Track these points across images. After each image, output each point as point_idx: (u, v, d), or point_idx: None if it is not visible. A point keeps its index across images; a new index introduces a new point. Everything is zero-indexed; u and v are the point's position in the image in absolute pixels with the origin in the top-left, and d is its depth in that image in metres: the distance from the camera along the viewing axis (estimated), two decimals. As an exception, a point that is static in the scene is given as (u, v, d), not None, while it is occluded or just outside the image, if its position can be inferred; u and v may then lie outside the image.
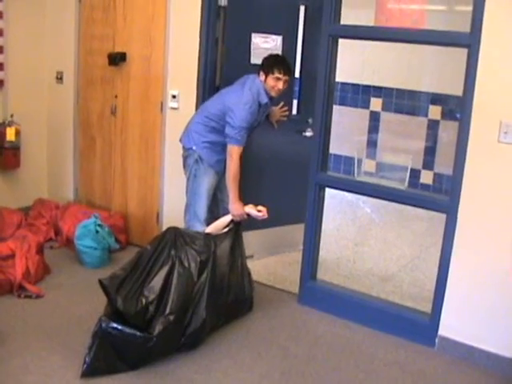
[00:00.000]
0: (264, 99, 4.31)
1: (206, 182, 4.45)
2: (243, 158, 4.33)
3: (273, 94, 4.33)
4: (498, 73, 3.55)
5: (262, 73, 4.32)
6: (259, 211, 4.28)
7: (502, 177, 3.61)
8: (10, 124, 5.54)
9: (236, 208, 4.26)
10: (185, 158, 4.50)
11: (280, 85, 4.29)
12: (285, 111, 4.85)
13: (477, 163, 3.68)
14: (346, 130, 7.95)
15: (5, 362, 3.50)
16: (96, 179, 5.70)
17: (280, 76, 4.26)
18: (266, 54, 4.65)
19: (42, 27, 5.75)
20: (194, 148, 4.41)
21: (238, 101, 4.24)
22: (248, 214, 4.28)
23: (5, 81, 5.54)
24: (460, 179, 3.74)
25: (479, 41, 3.55)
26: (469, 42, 3.61)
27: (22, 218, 5.44)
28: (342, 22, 4.14)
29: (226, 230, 4.21)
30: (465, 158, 3.71)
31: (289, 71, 4.33)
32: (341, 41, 4.22)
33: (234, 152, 4.24)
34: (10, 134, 5.52)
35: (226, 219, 4.28)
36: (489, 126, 3.60)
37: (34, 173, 5.95)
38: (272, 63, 4.29)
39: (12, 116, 5.56)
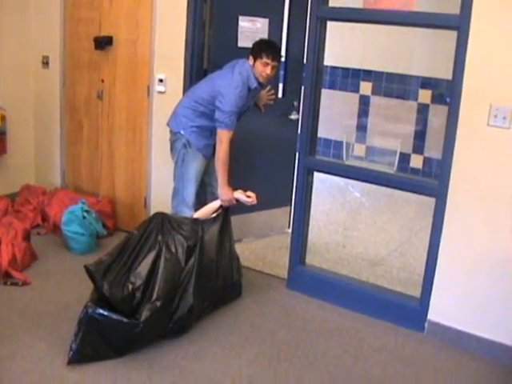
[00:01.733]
0: (253, 84, 4.26)
1: (195, 166, 4.41)
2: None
3: (261, 79, 4.27)
4: (488, 56, 3.51)
5: (251, 57, 4.25)
6: (248, 196, 4.25)
7: (492, 160, 3.59)
8: (-5, 109, 5.48)
9: (225, 193, 4.23)
10: (172, 142, 4.46)
11: (268, 70, 4.22)
12: (271, 95, 4.79)
13: (466, 147, 3.65)
14: (336, 114, 7.92)
15: (-10, 350, 3.48)
16: (83, 164, 5.64)
17: (268, 61, 4.19)
18: (252, 37, 4.64)
19: (28, 11, 5.65)
20: (181, 132, 4.36)
21: (228, 85, 4.20)
22: (237, 200, 4.26)
23: (-11, 66, 5.47)
24: (449, 163, 3.71)
25: (469, 23, 3.50)
26: (458, 24, 3.57)
27: (9, 204, 5.38)
28: (330, 5, 4.09)
29: (214, 215, 4.17)
30: (454, 142, 3.67)
31: (278, 56, 4.26)
32: (330, 24, 4.18)
33: (223, 136, 4.20)
34: (-5, 120, 5.47)
35: (215, 204, 4.25)
36: (478, 110, 3.56)
37: (21, 158, 5.88)
38: (261, 48, 4.22)
39: (-3, 101, 5.50)
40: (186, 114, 4.37)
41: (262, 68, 4.21)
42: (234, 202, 4.26)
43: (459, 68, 3.59)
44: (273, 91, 4.82)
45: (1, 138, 5.57)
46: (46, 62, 5.68)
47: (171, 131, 4.46)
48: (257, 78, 4.26)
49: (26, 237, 4.64)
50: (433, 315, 3.93)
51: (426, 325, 3.96)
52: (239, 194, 4.25)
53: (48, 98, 5.75)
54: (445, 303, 3.89)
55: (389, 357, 3.70)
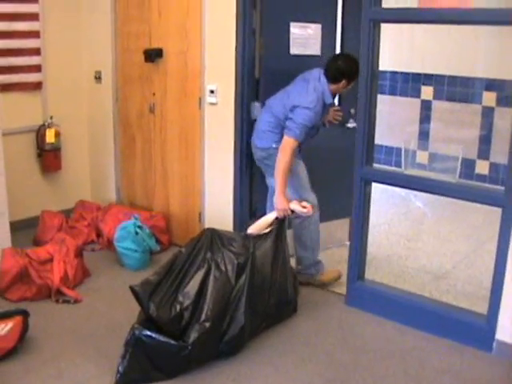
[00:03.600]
0: (329, 99, 4.25)
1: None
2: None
3: (338, 93, 4.39)
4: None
5: (329, 77, 4.23)
6: (303, 207, 4.10)
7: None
8: (49, 126, 5.50)
9: (280, 202, 4.12)
10: (264, 159, 4.43)
11: (347, 88, 4.30)
12: (339, 115, 4.68)
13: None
14: (398, 120, 7.70)
15: (39, 369, 3.43)
16: (137, 179, 5.58)
17: (348, 83, 4.26)
18: (305, 44, 4.52)
19: (79, 27, 5.67)
20: (274, 146, 4.30)
21: (303, 101, 4.16)
22: (292, 211, 4.11)
23: (43, 82, 5.48)
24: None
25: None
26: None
27: (63, 220, 5.35)
28: (384, 5, 3.89)
29: (268, 230, 4.02)
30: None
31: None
32: (387, 27, 3.99)
33: (288, 145, 4.15)
34: (50, 136, 5.48)
35: (270, 217, 4.11)
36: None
37: (76, 174, 5.88)
38: (353, 72, 4.15)
39: (51, 118, 5.51)
40: (268, 129, 4.34)
41: (343, 87, 4.28)
42: (290, 212, 4.11)
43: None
44: (341, 112, 4.69)
45: (55, 154, 5.58)
46: (98, 77, 5.67)
47: (260, 148, 4.42)
48: (332, 94, 4.25)
49: (79, 253, 4.58)
50: (501, 334, 3.66)
51: (493, 344, 3.68)
52: (295, 205, 4.10)
53: (101, 112, 5.73)
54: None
55: (453, 380, 3.45)
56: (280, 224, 4.07)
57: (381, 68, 4.07)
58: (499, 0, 3.95)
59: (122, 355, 3.27)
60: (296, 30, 4.64)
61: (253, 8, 4.50)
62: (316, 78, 4.25)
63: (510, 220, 3.52)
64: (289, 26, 4.62)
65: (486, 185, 7.02)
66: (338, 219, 5.20)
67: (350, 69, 4.19)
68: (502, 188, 3.62)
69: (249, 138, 4.62)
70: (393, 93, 7.89)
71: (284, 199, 4.13)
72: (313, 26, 4.72)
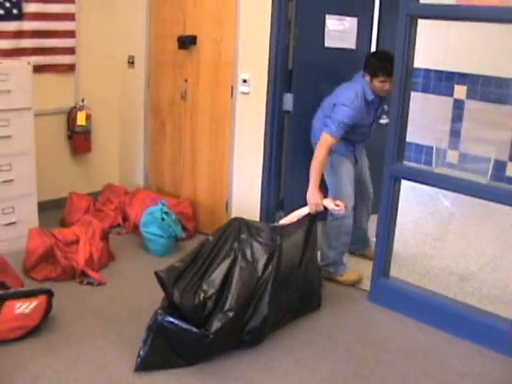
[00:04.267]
0: (370, 96, 4.24)
1: (343, 169, 4.44)
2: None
3: (381, 94, 4.29)
4: None
5: (366, 73, 4.24)
6: (337, 205, 4.08)
7: None
8: (80, 108, 5.53)
9: (313, 196, 4.11)
10: None
11: (386, 86, 4.19)
12: None
13: None
14: (429, 118, 7.61)
15: (60, 349, 3.45)
16: (166, 165, 5.59)
17: (385, 78, 4.17)
18: (340, 37, 4.49)
19: (114, 11, 5.70)
20: None
21: (341, 98, 4.23)
22: (325, 207, 4.10)
23: (76, 65, 5.51)
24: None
25: None
26: None
27: (91, 203, 5.39)
28: (421, 1, 3.84)
29: (295, 220, 4.03)
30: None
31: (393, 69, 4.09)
32: (423, 23, 3.93)
33: (325, 140, 4.17)
34: (81, 119, 5.50)
35: (302, 212, 4.10)
36: None
37: (105, 158, 5.91)
38: (376, 66, 4.18)
39: (83, 100, 5.54)
40: (320, 127, 4.32)
41: (380, 85, 4.23)
42: (322, 208, 4.10)
43: None
44: None
45: (86, 136, 5.61)
46: (131, 62, 5.69)
47: (314, 143, 4.39)
48: (374, 92, 4.25)
49: (104, 236, 4.61)
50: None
51: (517, 349, 3.65)
52: (328, 202, 4.09)
53: (133, 97, 5.74)
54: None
55: (475, 383, 3.41)
56: (312, 218, 4.07)
57: (415, 65, 4.02)
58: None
59: (143, 340, 3.28)
60: (331, 22, 4.60)
61: (287, -1, 4.48)
62: (358, 77, 4.31)
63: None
64: (324, 18, 4.58)
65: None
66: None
67: (368, 60, 4.22)
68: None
69: (280, 128, 4.61)
70: (425, 90, 7.80)
71: (316, 194, 4.11)
72: (349, 19, 4.68)
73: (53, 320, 3.70)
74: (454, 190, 4.08)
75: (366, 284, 4.37)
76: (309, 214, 4.07)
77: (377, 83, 4.21)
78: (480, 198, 3.88)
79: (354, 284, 4.47)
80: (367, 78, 4.23)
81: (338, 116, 4.16)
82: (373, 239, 4.46)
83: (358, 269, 4.61)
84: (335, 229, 4.42)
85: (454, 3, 3.96)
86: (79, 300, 4.04)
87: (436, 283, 4.54)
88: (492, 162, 6.84)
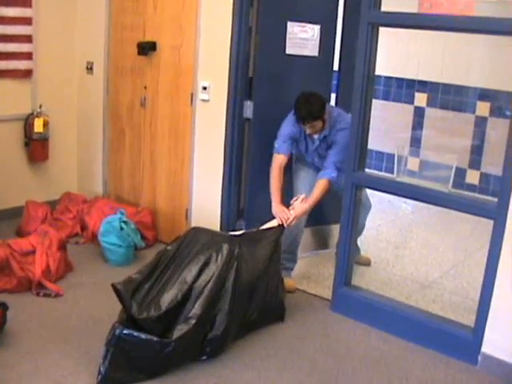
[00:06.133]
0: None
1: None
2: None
3: (308, 132, 4.37)
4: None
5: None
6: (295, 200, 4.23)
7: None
8: (38, 115, 5.40)
9: (277, 210, 4.21)
10: None
11: (308, 129, 4.30)
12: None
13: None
14: (390, 125, 7.66)
15: (14, 365, 3.33)
16: (125, 173, 5.50)
17: (303, 125, 4.27)
18: (302, 44, 4.48)
19: (73, 16, 5.59)
20: None
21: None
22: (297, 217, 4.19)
23: (34, 70, 5.39)
24: (509, 182, 3.41)
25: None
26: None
27: (48, 212, 5.26)
28: (383, 9, 3.83)
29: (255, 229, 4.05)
30: (514, 159, 3.38)
31: (310, 118, 4.20)
32: (385, 31, 3.93)
33: (273, 158, 4.37)
34: (38, 126, 5.39)
35: (272, 224, 4.13)
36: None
37: (63, 165, 5.79)
38: (295, 111, 4.26)
39: (41, 107, 5.42)
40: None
41: (307, 128, 4.30)
42: (290, 219, 4.13)
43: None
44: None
45: (43, 143, 5.50)
46: (90, 68, 5.59)
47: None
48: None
49: (62, 246, 4.49)
50: (487, 347, 3.60)
51: (479, 358, 3.63)
52: (292, 209, 4.20)
53: (92, 104, 5.64)
54: (501, 334, 3.56)
55: (437, 391, 3.41)
56: (281, 230, 4.09)
57: (376, 72, 4.02)
58: (500, 9, 3.91)
59: (103, 355, 3.18)
60: (293, 29, 4.58)
61: (250, 5, 4.43)
62: None
63: (501, 232, 3.47)
64: (286, 25, 4.55)
65: (477, 195, 7.00)
66: (335, 224, 5.14)
67: (297, 111, 4.24)
68: (494, 199, 3.57)
69: (240, 136, 4.57)
70: (386, 98, 7.85)
71: (281, 207, 4.21)
72: (311, 26, 4.65)
73: (7, 334, 3.57)
74: (415, 199, 4.09)
75: (328, 293, 4.32)
76: (278, 225, 4.09)
77: (305, 126, 4.29)
78: (441, 206, 3.89)
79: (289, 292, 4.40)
80: None
81: (279, 132, 4.36)
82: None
83: (295, 282, 4.55)
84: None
85: (415, 12, 3.97)
86: (36, 313, 3.92)
87: (398, 291, 4.54)
88: (453, 170, 6.90)
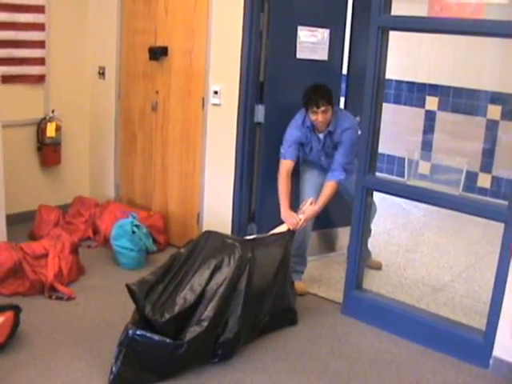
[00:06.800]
0: (307, 122, 4.37)
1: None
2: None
3: (318, 127, 4.37)
4: None
5: (303, 106, 4.36)
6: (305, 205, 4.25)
7: None
8: (50, 119, 5.46)
9: (286, 216, 4.23)
10: None
11: (319, 117, 4.27)
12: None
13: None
14: (401, 129, 7.66)
15: (27, 366, 3.36)
16: (137, 177, 5.53)
17: (316, 109, 4.24)
18: (312, 49, 4.51)
19: (85, 22, 5.64)
20: None
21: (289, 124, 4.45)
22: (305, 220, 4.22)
23: (46, 76, 5.44)
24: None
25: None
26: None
27: (60, 215, 5.30)
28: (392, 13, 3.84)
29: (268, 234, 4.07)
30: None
31: (324, 101, 4.23)
32: (395, 35, 3.94)
33: (280, 164, 4.40)
34: (51, 130, 5.43)
35: (282, 228, 4.16)
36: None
37: (75, 170, 5.84)
38: (307, 98, 4.27)
39: (53, 111, 5.47)
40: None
41: (313, 117, 4.29)
42: (299, 223, 4.17)
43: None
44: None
45: (55, 148, 5.54)
46: (102, 73, 5.63)
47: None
48: (311, 122, 4.36)
49: (74, 250, 4.53)
50: (498, 351, 3.60)
51: (490, 361, 3.63)
52: (302, 213, 4.21)
53: (103, 108, 5.68)
54: (510, 338, 3.56)
55: (449, 395, 3.41)
56: (291, 234, 4.11)
57: (387, 76, 4.03)
58: (510, 12, 3.90)
59: (115, 356, 3.20)
60: (303, 34, 4.60)
61: (260, 10, 4.45)
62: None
63: (511, 235, 3.47)
64: (296, 30, 4.58)
65: (488, 198, 6.98)
66: (342, 227, 5.16)
67: (312, 96, 4.26)
68: (505, 203, 3.58)
69: (252, 140, 4.59)
70: (397, 102, 7.86)
71: (289, 213, 4.24)
72: (321, 30, 4.68)
73: (20, 336, 3.60)
74: (426, 202, 4.09)
75: (340, 297, 4.33)
76: (288, 230, 4.11)
77: (311, 115, 4.29)
78: (452, 209, 3.89)
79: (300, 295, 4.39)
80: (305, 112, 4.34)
81: (284, 138, 4.39)
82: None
83: (306, 285, 4.55)
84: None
85: (425, 15, 3.97)
86: (48, 315, 3.95)
87: (409, 294, 4.54)
88: (464, 174, 6.89)
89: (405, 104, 7.84)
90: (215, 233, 3.81)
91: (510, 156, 3.50)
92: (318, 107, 4.22)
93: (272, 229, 4.18)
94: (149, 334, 3.21)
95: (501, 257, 3.54)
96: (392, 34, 3.90)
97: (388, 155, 7.84)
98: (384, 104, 4.05)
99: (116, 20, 5.39)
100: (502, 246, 3.53)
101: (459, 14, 3.90)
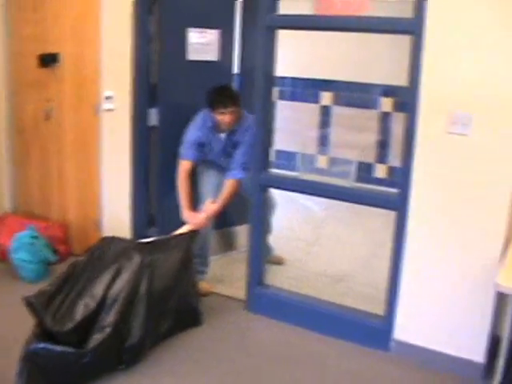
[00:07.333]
0: (209, 123, 4.43)
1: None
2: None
3: (223, 127, 4.40)
4: (446, 61, 3.36)
5: (209, 108, 4.39)
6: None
7: (452, 169, 3.43)
8: None
9: (188, 217, 4.33)
10: None
11: (226, 118, 4.33)
12: None
13: (426, 155, 3.50)
14: (299, 125, 7.78)
15: None
16: (34, 187, 5.39)
17: (223, 110, 4.30)
18: (202, 50, 4.53)
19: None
20: None
21: (189, 125, 4.49)
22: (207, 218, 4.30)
23: None
24: (408, 173, 3.55)
25: (423, 27, 3.36)
26: (412, 28, 3.42)
27: (-45, 231, 5.11)
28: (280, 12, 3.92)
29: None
30: (413, 151, 3.52)
31: (232, 102, 4.31)
32: (290, 34, 4.03)
33: (179, 165, 4.44)
34: None
35: (184, 229, 4.20)
36: (437, 117, 3.42)
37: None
38: (212, 100, 4.33)
39: None
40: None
41: (220, 117, 4.32)
42: (203, 222, 4.26)
43: (415, 74, 3.45)
44: None
45: None
46: (-10, 82, 5.45)
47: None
48: (218, 125, 4.39)
49: (-29, 266, 4.40)
50: (399, 334, 3.76)
51: (391, 344, 3.78)
52: (203, 212, 4.29)
53: (-6, 119, 5.51)
54: (411, 320, 3.72)
55: (352, 380, 3.52)
56: (193, 235, 4.14)
57: (282, 74, 4.10)
58: (397, 9, 4.02)
59: (18, 373, 3.11)
60: (193, 35, 4.63)
61: (149, 13, 4.44)
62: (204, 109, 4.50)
63: (403, 222, 3.61)
64: (186, 32, 4.60)
65: (383, 188, 7.18)
66: (240, 225, 5.21)
67: (207, 96, 4.35)
68: (396, 193, 3.71)
69: (147, 144, 4.59)
70: (295, 99, 7.95)
71: (190, 213, 4.34)
72: (210, 31, 4.71)
73: None
74: (320, 195, 4.20)
75: (242, 294, 4.37)
76: (191, 230, 4.16)
77: (217, 116, 4.34)
78: (345, 201, 4.01)
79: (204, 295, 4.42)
80: (210, 112, 4.38)
81: (184, 139, 4.43)
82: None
83: (210, 285, 4.58)
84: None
85: (311, 13, 4.06)
86: None
87: (311, 287, 4.63)
88: (355, 165, 7.08)
89: (302, 100, 7.95)
90: (114, 238, 3.79)
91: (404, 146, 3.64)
92: (226, 107, 4.28)
93: (174, 231, 4.19)
94: (50, 346, 3.16)
95: (395, 244, 3.69)
96: (286, 31, 3.99)
97: (287, 152, 7.94)
98: (282, 101, 4.13)
99: (2, 27, 5.22)
100: (396, 233, 3.67)
101: (344, 11, 4.01)
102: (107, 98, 4.69)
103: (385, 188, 7.14)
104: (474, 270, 3.45)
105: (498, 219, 3.38)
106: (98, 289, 3.43)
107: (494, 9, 3.21)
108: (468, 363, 3.55)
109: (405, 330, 3.75)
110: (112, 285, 3.46)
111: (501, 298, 3.28)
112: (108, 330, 3.33)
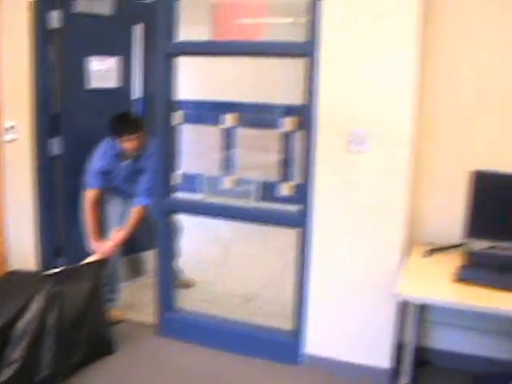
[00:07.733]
0: (113, 151, 4.44)
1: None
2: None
3: (128, 154, 4.44)
4: (339, 81, 3.52)
5: (113, 136, 4.40)
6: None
7: (351, 184, 3.59)
8: None
9: (93, 246, 4.39)
10: None
11: (131, 144, 4.37)
12: None
13: (325, 173, 3.65)
14: (204, 148, 7.83)
15: None
16: None
17: (128, 137, 4.35)
18: (103, 77, 4.54)
19: None
20: None
21: (93, 154, 4.47)
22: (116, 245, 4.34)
23: None
24: (310, 190, 3.70)
25: (316, 49, 3.51)
26: (305, 50, 3.57)
27: None
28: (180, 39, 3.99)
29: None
30: (313, 168, 3.67)
31: (135, 129, 4.37)
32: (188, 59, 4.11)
33: (84, 195, 4.47)
34: None
35: (93, 258, 4.22)
36: (334, 134, 3.57)
37: None
38: (115, 128, 4.37)
39: None
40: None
41: (126, 145, 4.37)
42: (111, 250, 4.32)
43: (311, 95, 3.60)
44: None
45: None
46: None
47: None
48: (124, 151, 4.41)
49: None
50: (309, 347, 3.88)
51: (301, 358, 3.90)
52: (110, 241, 4.33)
53: None
54: (319, 334, 3.85)
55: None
56: (102, 263, 4.14)
57: (187, 97, 4.16)
58: (292, 32, 4.16)
59: None
60: (93, 63, 4.66)
61: (47, 43, 4.42)
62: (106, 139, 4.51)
63: (307, 238, 3.74)
64: (86, 60, 4.63)
65: (289, 206, 7.31)
66: (147, 250, 5.21)
67: (122, 124, 4.40)
68: (300, 208, 3.82)
69: (50, 174, 4.58)
70: (199, 121, 8.00)
71: (96, 243, 4.40)
72: (110, 59, 4.75)
73: None
74: (224, 217, 4.28)
75: (153, 319, 4.38)
76: (98, 260, 4.18)
77: (122, 143, 4.38)
78: (249, 221, 4.10)
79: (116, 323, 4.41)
80: (116, 140, 4.40)
81: (88, 168, 4.43)
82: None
83: (121, 312, 4.57)
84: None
85: (209, 39, 4.16)
86: None
87: (221, 308, 4.68)
88: (256, 185, 7.18)
89: (207, 123, 8.00)
90: (19, 272, 3.75)
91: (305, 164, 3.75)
92: (129, 135, 4.32)
93: (82, 260, 4.17)
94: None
95: (299, 259, 3.81)
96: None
97: (192, 175, 7.96)
98: (187, 125, 4.18)
99: None
100: (299, 249, 3.80)
101: (241, 36, 4.13)
102: (9, 128, 4.61)
103: (291, 206, 7.30)
104: (375, 280, 3.61)
105: (394, 231, 3.56)
106: (1, 325, 3.37)
107: (382, 30, 3.39)
108: (375, 370, 3.70)
109: (314, 343, 3.86)
110: (19, 318, 3.42)
111: (404, 306, 3.42)
112: (16, 364, 3.29)
